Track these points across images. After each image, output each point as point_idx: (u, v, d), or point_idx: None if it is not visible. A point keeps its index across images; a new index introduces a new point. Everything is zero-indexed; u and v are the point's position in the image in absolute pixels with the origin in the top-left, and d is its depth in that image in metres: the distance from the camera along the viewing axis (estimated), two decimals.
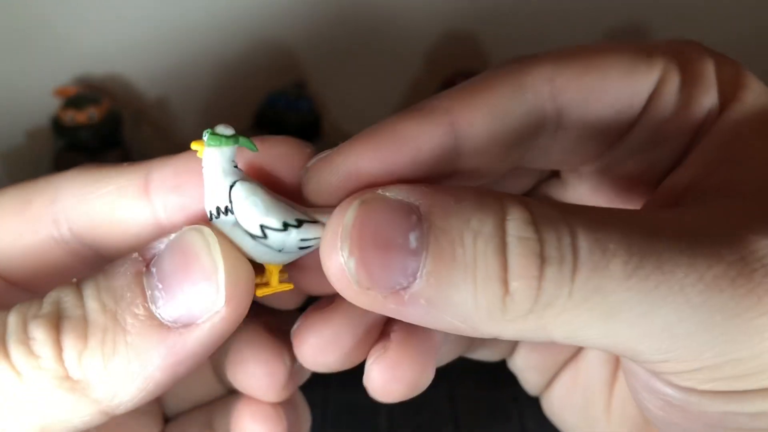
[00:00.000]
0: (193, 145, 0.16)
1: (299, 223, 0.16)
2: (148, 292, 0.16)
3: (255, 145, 0.17)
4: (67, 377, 0.15)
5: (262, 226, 0.16)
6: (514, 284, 0.14)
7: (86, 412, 0.15)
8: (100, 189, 0.18)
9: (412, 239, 0.14)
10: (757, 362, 0.14)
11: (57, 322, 0.15)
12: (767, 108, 0.18)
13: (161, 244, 0.16)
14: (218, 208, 0.16)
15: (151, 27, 0.56)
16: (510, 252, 0.14)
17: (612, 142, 0.18)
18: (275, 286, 0.17)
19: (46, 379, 0.15)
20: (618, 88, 0.18)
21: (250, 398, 0.21)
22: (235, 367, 0.20)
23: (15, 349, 0.15)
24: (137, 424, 0.21)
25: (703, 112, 0.18)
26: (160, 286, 0.15)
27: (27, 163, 0.55)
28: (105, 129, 0.53)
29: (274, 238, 0.16)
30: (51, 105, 0.53)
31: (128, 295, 0.15)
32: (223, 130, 0.16)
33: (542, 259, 0.14)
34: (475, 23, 0.58)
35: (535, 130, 0.18)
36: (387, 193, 0.15)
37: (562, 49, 0.18)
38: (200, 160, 0.16)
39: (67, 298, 0.16)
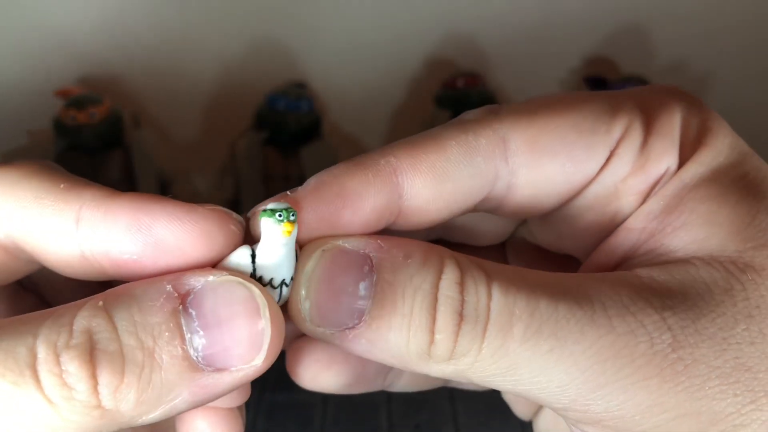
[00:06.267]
0: (287, 227, 0.17)
1: None
2: (187, 336, 0.16)
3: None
4: (99, 407, 0.15)
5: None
6: (438, 336, 0.17)
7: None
8: (35, 208, 0.17)
9: (362, 288, 0.17)
10: (643, 418, 0.16)
11: (90, 354, 0.15)
12: (722, 169, 0.18)
13: (197, 283, 0.16)
14: (283, 281, 0.17)
15: (151, 27, 0.57)
16: (439, 308, 0.17)
17: (567, 198, 0.19)
18: None
19: (79, 408, 0.15)
20: (575, 150, 0.18)
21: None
22: None
23: (48, 380, 0.15)
24: None
25: (660, 172, 0.19)
26: (202, 333, 0.16)
27: None
28: (106, 129, 0.53)
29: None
30: (52, 105, 0.53)
31: (167, 334, 0.16)
32: (282, 203, 0.17)
33: (461, 317, 0.17)
34: (475, 24, 0.58)
35: (483, 190, 0.19)
36: (346, 244, 0.18)
37: (521, 106, 0.19)
38: (136, 204, 0.17)
39: (99, 329, 0.16)
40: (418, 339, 0.17)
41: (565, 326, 0.16)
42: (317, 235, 0.18)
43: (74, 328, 0.16)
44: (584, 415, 0.17)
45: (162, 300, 0.16)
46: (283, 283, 0.17)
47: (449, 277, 0.17)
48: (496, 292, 0.17)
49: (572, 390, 0.16)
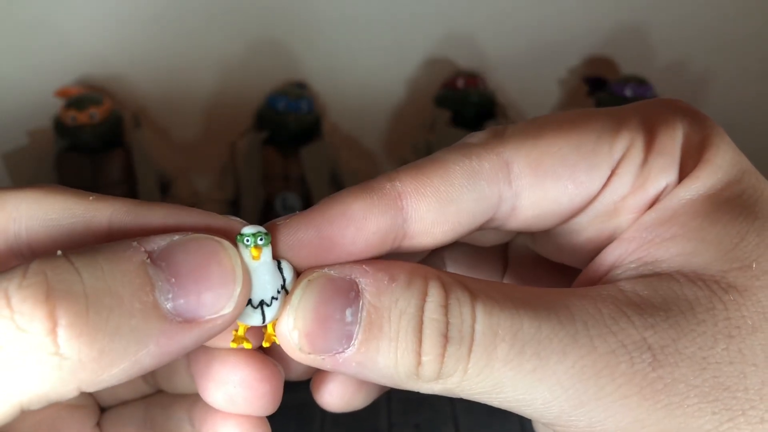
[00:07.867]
0: (254, 251, 0.18)
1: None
2: (158, 284, 0.16)
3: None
4: (57, 354, 0.14)
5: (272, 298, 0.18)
6: (424, 358, 0.17)
7: (67, 389, 0.15)
8: (65, 219, 0.18)
9: (348, 314, 0.17)
10: None
11: (47, 295, 0.14)
12: (719, 186, 0.19)
13: (162, 241, 0.17)
14: (262, 301, 0.18)
15: (151, 27, 0.57)
16: (424, 331, 0.17)
17: (569, 217, 0.20)
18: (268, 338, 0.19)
19: (33, 355, 0.14)
20: (577, 173, 0.19)
21: (226, 412, 0.20)
22: (219, 383, 0.19)
23: None
24: (72, 417, 0.21)
25: (658, 190, 0.19)
26: (173, 280, 0.16)
27: (29, 164, 0.56)
28: (106, 129, 0.53)
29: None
30: (52, 105, 0.53)
31: (137, 281, 0.16)
32: (256, 228, 0.18)
33: (446, 339, 0.17)
34: (475, 24, 0.58)
35: (487, 212, 0.19)
36: (332, 272, 0.18)
37: (525, 127, 0.19)
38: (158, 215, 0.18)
39: (58, 271, 0.15)
40: (405, 361, 0.17)
41: (548, 346, 0.17)
42: (319, 253, 0.18)
43: (28, 270, 0.15)
44: (569, 430, 0.17)
45: (130, 252, 0.16)
46: (262, 303, 0.18)
47: (433, 299, 0.17)
48: (480, 313, 0.17)
49: (556, 407, 0.17)
